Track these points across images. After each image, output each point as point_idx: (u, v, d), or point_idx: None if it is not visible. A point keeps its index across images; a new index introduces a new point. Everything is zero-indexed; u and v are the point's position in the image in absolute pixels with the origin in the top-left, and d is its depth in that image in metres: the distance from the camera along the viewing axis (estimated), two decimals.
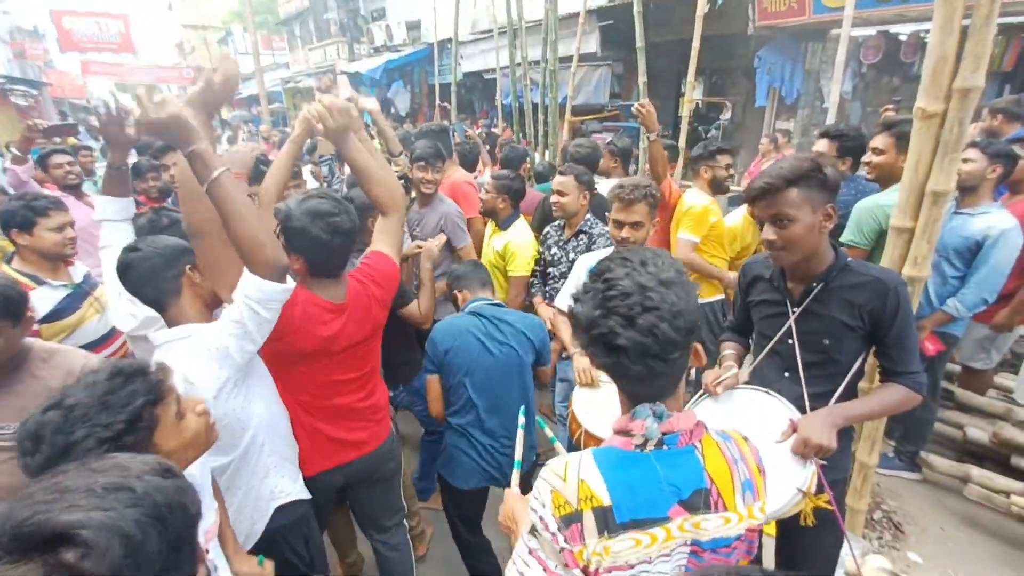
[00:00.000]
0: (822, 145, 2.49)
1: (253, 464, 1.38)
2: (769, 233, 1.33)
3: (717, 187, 2.82)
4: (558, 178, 2.44)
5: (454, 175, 3.16)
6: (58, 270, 2.09)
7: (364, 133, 1.75)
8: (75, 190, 3.23)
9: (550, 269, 2.56)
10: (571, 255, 2.44)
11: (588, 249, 2.39)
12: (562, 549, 0.82)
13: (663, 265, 0.83)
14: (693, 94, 4.94)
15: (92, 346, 2.05)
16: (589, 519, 0.81)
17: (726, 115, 8.43)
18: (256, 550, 1.37)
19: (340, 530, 2.04)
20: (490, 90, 9.37)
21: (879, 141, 2.31)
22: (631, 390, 0.88)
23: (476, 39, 9.51)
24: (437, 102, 8.49)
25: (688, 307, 0.80)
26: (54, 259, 2.07)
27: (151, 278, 1.32)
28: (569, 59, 6.54)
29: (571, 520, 0.82)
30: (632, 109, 2.74)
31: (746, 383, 1.48)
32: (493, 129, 8.14)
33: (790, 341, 1.42)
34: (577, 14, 6.35)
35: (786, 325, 1.42)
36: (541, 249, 2.62)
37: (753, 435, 0.98)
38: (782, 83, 5.73)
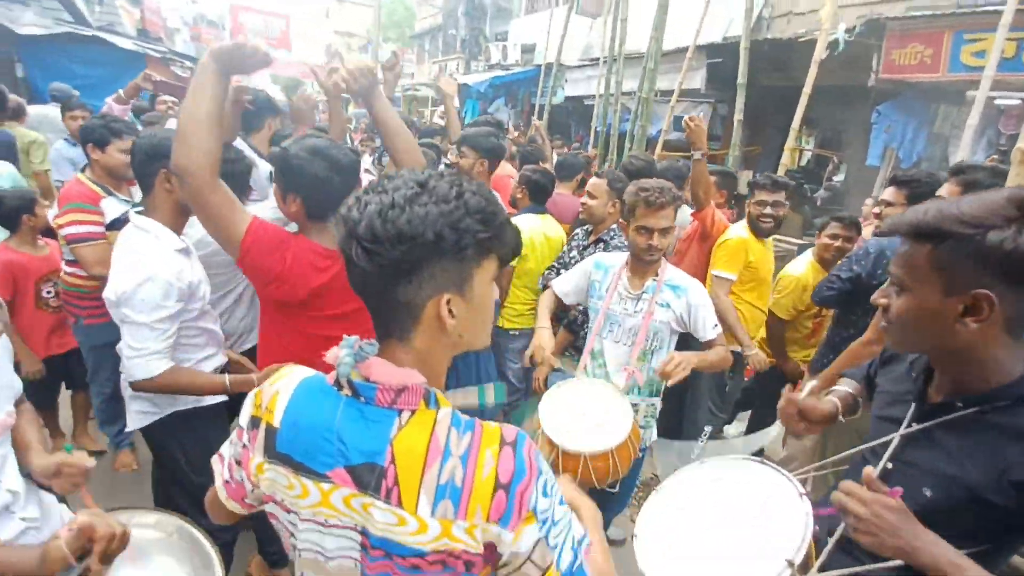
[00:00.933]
0: (890, 193, 2.14)
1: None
2: (880, 296, 0.94)
3: (753, 226, 2.54)
4: (592, 180, 2.34)
5: (500, 169, 3.15)
6: (121, 188, 2.34)
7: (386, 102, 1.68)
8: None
9: (562, 271, 2.44)
10: None
11: None
12: (244, 445, 0.78)
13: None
14: (803, 146, 4.59)
15: None
16: (262, 432, 0.75)
17: (839, 176, 7.75)
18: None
19: None
20: (588, 115, 9.37)
21: (944, 190, 1.93)
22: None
23: (583, 65, 9.59)
24: (533, 120, 8.64)
25: (416, 212, 0.64)
26: (118, 178, 2.30)
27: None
28: (671, 93, 6.37)
29: (254, 424, 0.76)
30: (682, 122, 2.58)
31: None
32: (586, 153, 8.13)
33: (888, 466, 0.96)
34: (686, 48, 6.19)
35: (888, 439, 0.97)
36: (564, 251, 2.52)
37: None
38: (901, 144, 5.15)
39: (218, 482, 0.84)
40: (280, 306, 1.45)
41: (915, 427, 0.94)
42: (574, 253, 2.47)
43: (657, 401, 1.88)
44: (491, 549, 0.67)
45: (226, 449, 0.84)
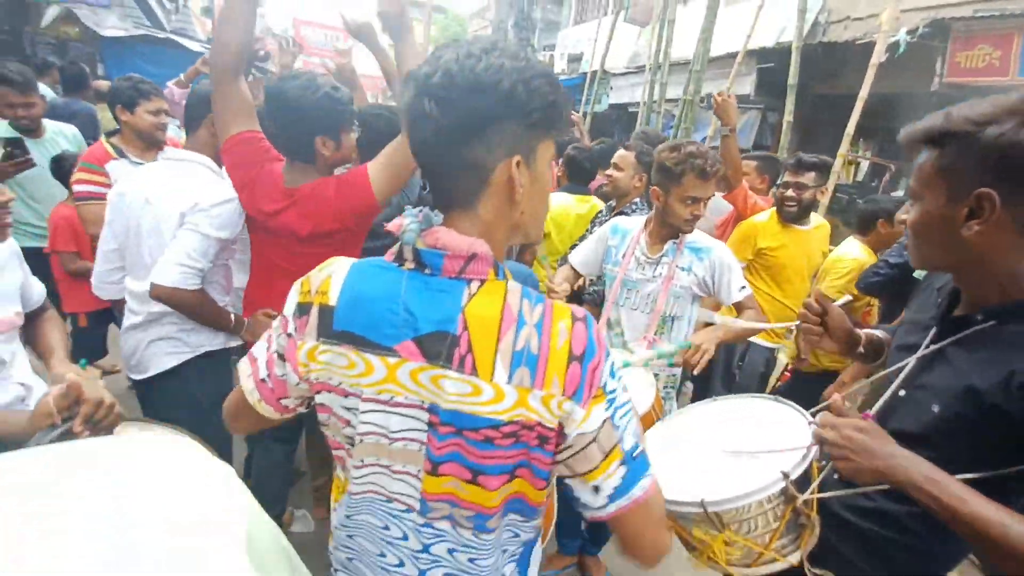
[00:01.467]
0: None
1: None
2: (902, 212, 1.00)
3: (779, 210, 2.43)
4: (619, 151, 2.31)
5: None
6: (147, 152, 2.32)
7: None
8: None
9: None
10: None
11: None
12: (288, 335, 0.75)
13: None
14: (859, 155, 4.38)
15: None
16: (315, 314, 0.72)
17: (898, 192, 7.35)
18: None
19: (316, 448, 2.04)
20: (633, 122, 9.31)
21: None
22: (424, 174, 0.73)
23: (628, 72, 9.55)
24: (573, 115, 8.65)
25: (493, 64, 0.62)
26: (147, 140, 2.29)
27: (189, 108, 1.72)
28: (705, 98, 6.24)
29: (304, 310, 0.73)
30: (713, 97, 2.51)
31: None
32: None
33: (901, 393, 0.93)
34: (736, 54, 6.07)
35: (902, 364, 0.94)
36: (588, 229, 2.50)
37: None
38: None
39: (248, 384, 0.80)
40: (249, 224, 1.59)
41: (931, 348, 0.89)
42: (596, 229, 2.46)
43: (678, 372, 1.81)
44: (559, 429, 0.66)
45: (260, 349, 0.82)
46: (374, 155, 1.51)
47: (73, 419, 0.88)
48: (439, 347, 0.65)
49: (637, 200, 2.39)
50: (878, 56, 4.49)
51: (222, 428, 0.88)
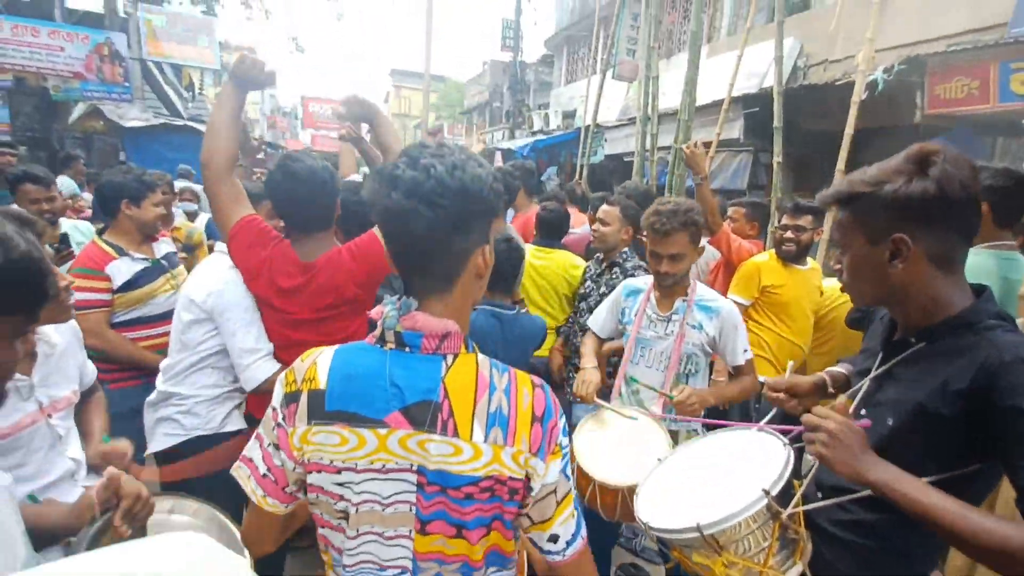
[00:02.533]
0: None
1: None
2: (835, 262, 1.12)
3: (777, 251, 2.48)
4: (603, 207, 2.37)
5: (528, 210, 3.28)
6: (143, 245, 2.25)
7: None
8: None
9: (581, 303, 2.44)
10: (602, 288, 2.35)
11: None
12: (278, 426, 0.80)
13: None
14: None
15: (160, 319, 2.21)
16: (304, 401, 0.78)
17: None
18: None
19: None
20: (629, 171, 9.58)
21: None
22: (399, 264, 0.80)
23: (620, 124, 9.91)
24: (576, 179, 8.95)
25: (471, 172, 0.74)
26: (148, 232, 2.25)
27: (103, 198, 2.01)
28: (709, 144, 6.45)
29: (292, 399, 0.79)
30: (683, 148, 2.62)
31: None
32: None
33: (862, 412, 1.04)
34: (721, 101, 6.31)
35: (857, 387, 1.07)
36: (580, 284, 2.54)
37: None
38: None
39: (249, 487, 0.84)
40: (260, 305, 1.61)
41: (880, 370, 1.02)
42: (589, 283, 2.49)
43: (697, 426, 1.78)
44: (526, 481, 0.75)
45: (253, 450, 0.85)
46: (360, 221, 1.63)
47: (112, 511, 0.93)
48: (424, 414, 0.74)
49: (626, 251, 2.44)
50: (858, 95, 4.65)
51: (227, 495, 0.92)
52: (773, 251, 2.51)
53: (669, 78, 7.21)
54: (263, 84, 1.57)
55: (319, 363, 0.79)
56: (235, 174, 1.59)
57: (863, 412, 1.02)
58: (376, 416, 0.74)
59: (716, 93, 6.64)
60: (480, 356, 0.80)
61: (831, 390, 1.24)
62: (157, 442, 1.66)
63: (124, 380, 2.11)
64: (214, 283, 1.59)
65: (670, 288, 1.78)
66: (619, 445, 1.51)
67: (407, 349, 0.77)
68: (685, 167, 6.08)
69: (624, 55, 10.02)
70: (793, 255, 2.45)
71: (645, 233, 1.82)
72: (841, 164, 4.75)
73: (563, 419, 0.80)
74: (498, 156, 13.97)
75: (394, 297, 0.80)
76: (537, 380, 0.81)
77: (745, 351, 1.74)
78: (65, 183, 5.68)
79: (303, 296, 1.54)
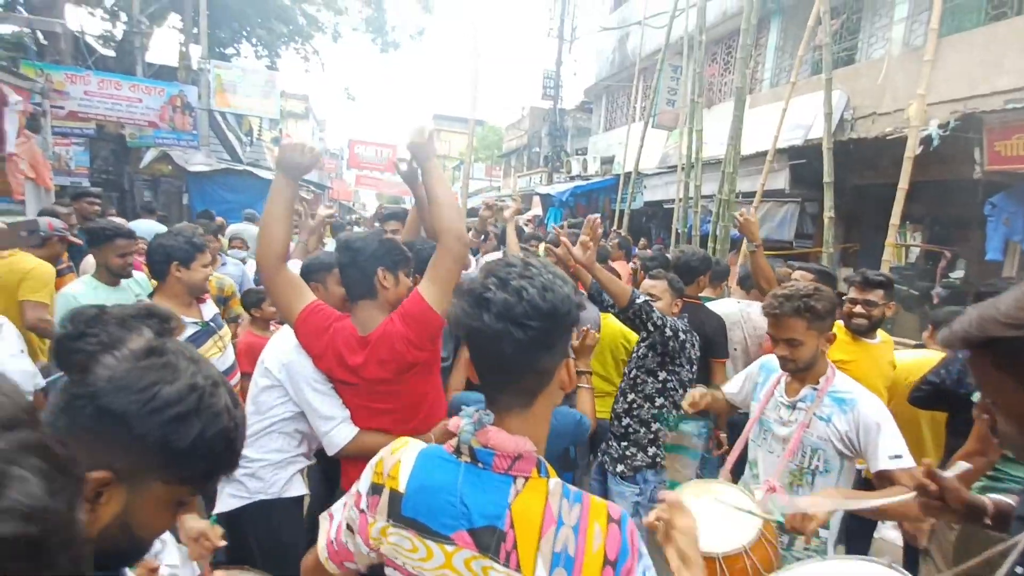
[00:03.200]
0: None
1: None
2: (977, 411, 1.05)
3: (846, 324, 2.39)
4: (649, 282, 2.31)
5: None
6: (192, 307, 2.21)
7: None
8: None
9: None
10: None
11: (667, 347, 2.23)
12: (360, 511, 0.82)
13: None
14: (907, 242, 4.36)
15: None
16: (386, 497, 0.80)
17: (956, 272, 7.08)
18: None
19: None
20: (668, 218, 9.57)
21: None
22: (483, 379, 0.81)
23: (660, 172, 9.98)
24: (613, 228, 9.01)
25: (559, 292, 0.76)
26: (197, 293, 2.22)
27: (153, 261, 2.07)
28: (753, 194, 6.41)
29: (376, 490, 0.82)
30: (735, 218, 2.56)
31: None
32: (666, 253, 8.26)
33: (1017, 570, 0.87)
34: (766, 152, 6.31)
35: (1019, 538, 0.88)
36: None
37: None
38: None
39: (322, 542, 0.89)
40: (332, 379, 1.64)
41: None
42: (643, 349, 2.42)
43: (826, 533, 1.57)
44: None
45: (337, 510, 0.90)
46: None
47: None
48: (489, 540, 0.73)
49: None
50: (912, 149, 4.57)
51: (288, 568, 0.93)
52: (842, 324, 2.41)
53: (710, 128, 7.26)
54: (310, 167, 1.58)
55: (403, 463, 0.82)
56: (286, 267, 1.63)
57: (1018, 570, 0.84)
58: (445, 532, 0.75)
59: (759, 144, 6.63)
60: (552, 482, 0.77)
61: (987, 521, 1.05)
62: (223, 503, 1.68)
63: None
64: (286, 354, 1.65)
65: (798, 373, 1.65)
66: (705, 513, 1.43)
67: (480, 465, 0.77)
68: (730, 219, 6.06)
69: (664, 105, 10.20)
70: (864, 329, 2.35)
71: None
72: (895, 218, 4.64)
73: (643, 561, 0.74)
74: (536, 200, 14.22)
75: (471, 408, 0.81)
76: (615, 513, 0.76)
77: (896, 456, 1.44)
78: (145, 228, 6.09)
79: (368, 369, 1.57)
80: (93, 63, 9.70)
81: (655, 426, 2.28)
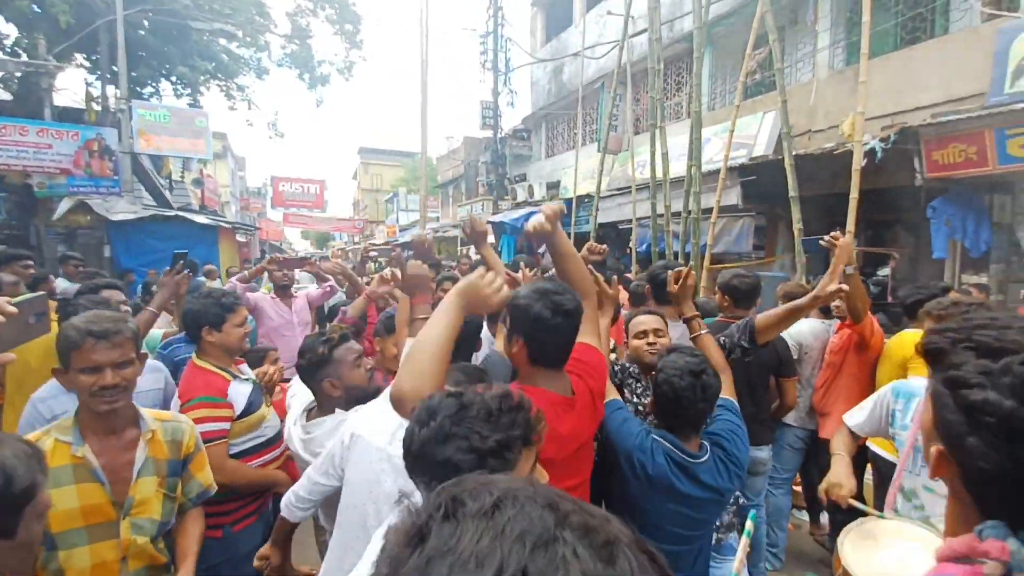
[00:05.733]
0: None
1: None
2: None
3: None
4: (647, 318, 2.19)
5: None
6: (234, 365, 2.10)
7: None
8: (284, 290, 3.84)
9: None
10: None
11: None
12: None
13: None
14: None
15: (269, 443, 2.04)
16: None
17: (883, 270, 7.76)
18: None
19: None
20: (623, 239, 9.82)
21: None
22: (984, 495, 0.62)
23: (612, 195, 10.27)
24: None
25: None
26: (235, 353, 2.11)
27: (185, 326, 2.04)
28: (709, 211, 6.70)
29: None
30: (822, 241, 2.47)
31: None
32: (627, 274, 8.42)
33: None
34: (718, 171, 6.64)
35: None
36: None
37: None
38: (965, 235, 5.19)
39: None
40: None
41: None
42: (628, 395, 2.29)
43: None
44: None
45: None
46: None
47: None
48: None
49: None
50: (858, 163, 4.96)
51: None
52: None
53: (648, 150, 7.57)
54: (493, 305, 1.28)
55: None
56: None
57: None
58: None
59: (710, 164, 7.00)
60: None
61: None
62: None
63: (245, 519, 1.96)
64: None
65: None
66: (904, 560, 1.32)
67: None
68: (698, 236, 6.27)
69: (608, 131, 10.59)
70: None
71: None
72: (850, 225, 4.99)
73: None
74: (488, 228, 14.17)
75: (996, 524, 0.59)
76: None
77: None
78: (61, 285, 5.35)
79: (577, 435, 1.38)
80: None
81: None
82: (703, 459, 1.56)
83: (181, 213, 9.53)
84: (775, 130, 7.65)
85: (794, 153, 7.10)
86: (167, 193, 10.77)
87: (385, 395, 1.46)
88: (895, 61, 6.17)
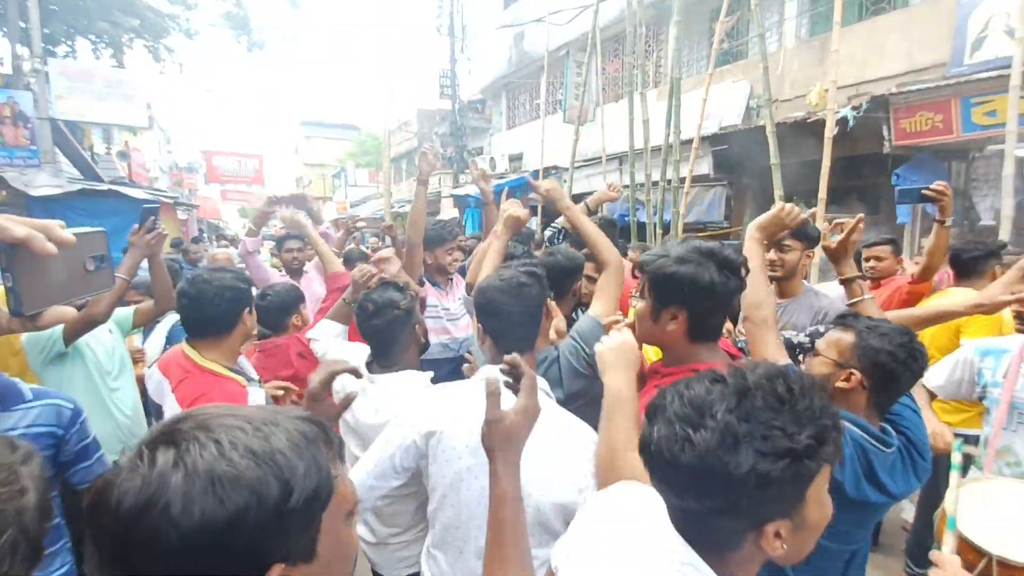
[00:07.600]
0: None
1: None
2: None
3: None
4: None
5: None
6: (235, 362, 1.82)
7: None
8: (296, 274, 3.64)
9: None
10: None
11: None
12: None
13: None
14: (817, 214, 4.82)
15: None
16: None
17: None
18: None
19: None
20: (591, 212, 9.83)
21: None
22: None
23: (580, 166, 10.18)
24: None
25: None
26: (244, 344, 1.88)
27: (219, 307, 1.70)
28: (682, 181, 6.75)
29: None
30: (925, 191, 2.11)
31: None
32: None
33: None
34: (691, 140, 6.68)
35: None
36: None
37: None
38: (926, 201, 5.48)
39: None
40: None
41: None
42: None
43: None
44: None
45: None
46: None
47: None
48: None
49: None
50: (830, 131, 5.09)
51: None
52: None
53: (619, 120, 7.52)
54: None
55: None
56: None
57: None
58: None
59: (686, 132, 7.02)
60: None
61: None
62: None
63: None
64: None
65: None
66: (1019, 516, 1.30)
67: None
68: (678, 204, 6.30)
69: (573, 100, 10.42)
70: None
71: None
72: (822, 193, 5.15)
73: None
74: (448, 203, 13.81)
75: None
76: None
77: None
78: None
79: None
80: None
81: None
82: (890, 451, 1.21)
83: (115, 187, 8.60)
84: (744, 99, 7.76)
85: (778, 121, 7.27)
86: (95, 166, 9.72)
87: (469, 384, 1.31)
88: (860, 31, 6.34)
